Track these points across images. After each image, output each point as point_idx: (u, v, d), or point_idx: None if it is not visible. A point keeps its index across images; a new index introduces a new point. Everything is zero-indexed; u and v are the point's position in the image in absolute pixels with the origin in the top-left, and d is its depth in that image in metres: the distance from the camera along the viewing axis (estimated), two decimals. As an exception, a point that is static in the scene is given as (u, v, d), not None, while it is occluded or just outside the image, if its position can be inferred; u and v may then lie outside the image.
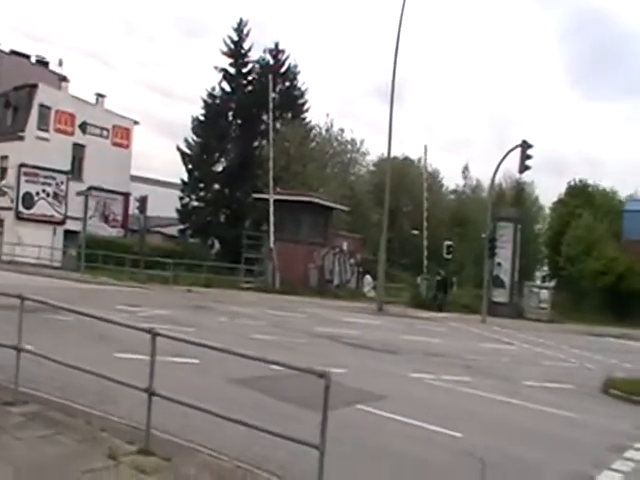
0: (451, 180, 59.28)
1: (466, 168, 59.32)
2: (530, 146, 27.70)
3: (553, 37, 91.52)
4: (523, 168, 28.18)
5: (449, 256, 34.59)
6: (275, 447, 5.71)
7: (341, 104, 79.61)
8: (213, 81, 59.07)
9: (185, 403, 5.50)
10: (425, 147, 53.57)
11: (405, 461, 6.49)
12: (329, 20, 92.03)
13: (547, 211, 56.44)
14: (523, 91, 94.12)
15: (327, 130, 43.74)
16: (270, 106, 35.59)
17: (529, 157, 27.62)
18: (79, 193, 30.93)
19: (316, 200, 34.10)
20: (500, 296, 32.65)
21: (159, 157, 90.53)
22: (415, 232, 41.89)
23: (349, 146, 45.04)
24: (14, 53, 45.25)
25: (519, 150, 27.77)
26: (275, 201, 33.55)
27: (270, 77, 36.67)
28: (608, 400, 11.73)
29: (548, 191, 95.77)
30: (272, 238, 33.09)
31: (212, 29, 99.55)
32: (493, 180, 31.89)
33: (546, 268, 54.39)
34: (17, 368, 6.57)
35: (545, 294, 34.15)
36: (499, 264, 32.20)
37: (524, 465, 6.89)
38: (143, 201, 27.80)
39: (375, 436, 7.14)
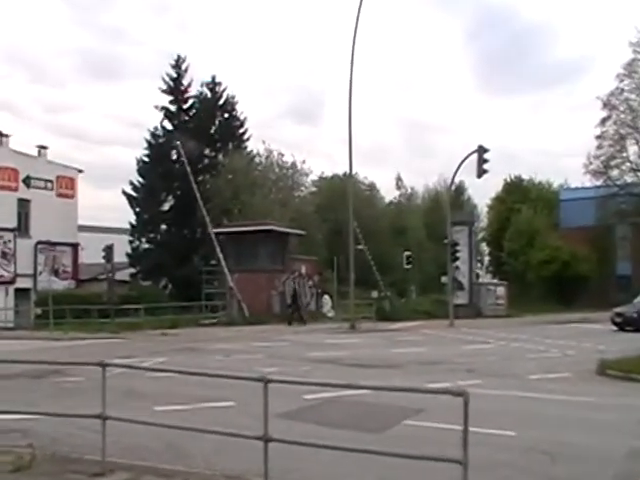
0: (381, 191, 60.21)
1: (399, 179, 60.95)
2: (486, 150, 28.37)
3: (458, 39, 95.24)
4: (481, 172, 28.47)
5: (409, 266, 35.62)
6: (364, 471, 6.27)
7: (259, 128, 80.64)
8: (144, 122, 59.01)
9: (303, 443, 5.93)
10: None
11: (492, 465, 6.83)
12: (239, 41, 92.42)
13: (481, 209, 58.68)
14: (436, 96, 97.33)
15: (267, 157, 44.07)
16: (181, 154, 35.77)
17: (486, 161, 28.21)
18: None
19: (275, 228, 34.38)
20: (460, 298, 33.83)
21: (94, 204, 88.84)
22: (360, 247, 42.76)
23: (290, 170, 45.46)
24: (-55, 116, 43.23)
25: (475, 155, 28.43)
26: (232, 233, 33.74)
27: (176, 139, 37.27)
28: (609, 381, 12.78)
29: (477, 190, 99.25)
30: (228, 274, 33.10)
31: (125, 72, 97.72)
32: (451, 186, 33.31)
33: (479, 265, 56.34)
34: (103, 437, 6.47)
35: (501, 291, 35.67)
36: (457, 267, 33.39)
37: (584, 450, 7.55)
38: (109, 250, 27.51)
39: (444, 447, 7.53)
